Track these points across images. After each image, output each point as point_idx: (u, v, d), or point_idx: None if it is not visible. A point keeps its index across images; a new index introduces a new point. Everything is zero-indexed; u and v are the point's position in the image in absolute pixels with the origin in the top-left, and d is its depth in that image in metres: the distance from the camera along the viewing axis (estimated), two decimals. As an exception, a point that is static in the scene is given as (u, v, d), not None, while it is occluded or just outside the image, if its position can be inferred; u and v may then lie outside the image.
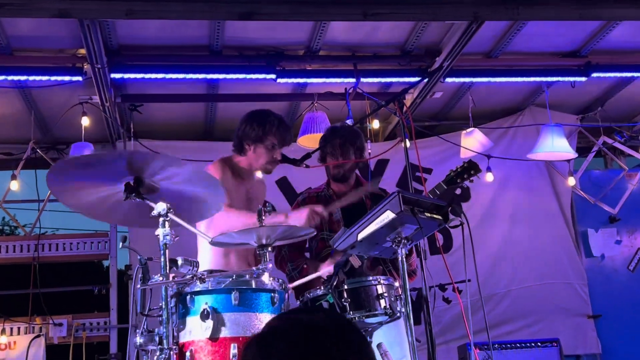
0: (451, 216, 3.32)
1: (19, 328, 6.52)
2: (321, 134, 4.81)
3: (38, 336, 6.41)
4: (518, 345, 6.22)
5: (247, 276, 2.92)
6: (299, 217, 3.66)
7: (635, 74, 6.46)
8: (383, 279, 3.40)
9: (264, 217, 3.01)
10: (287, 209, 4.83)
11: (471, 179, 4.03)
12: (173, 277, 2.78)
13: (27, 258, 6.77)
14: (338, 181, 4.35)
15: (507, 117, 7.40)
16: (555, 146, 6.61)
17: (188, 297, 2.85)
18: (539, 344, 6.27)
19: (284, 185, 6.81)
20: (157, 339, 2.75)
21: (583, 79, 6.37)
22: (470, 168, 4.00)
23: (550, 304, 7.05)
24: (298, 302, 3.51)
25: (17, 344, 6.35)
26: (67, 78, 5.68)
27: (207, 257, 3.85)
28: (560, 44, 6.17)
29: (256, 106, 6.39)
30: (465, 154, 6.64)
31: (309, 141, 6.24)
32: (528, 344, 6.25)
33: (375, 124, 6.96)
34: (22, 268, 6.94)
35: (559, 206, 7.38)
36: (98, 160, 2.74)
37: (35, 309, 6.63)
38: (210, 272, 3.37)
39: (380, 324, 3.38)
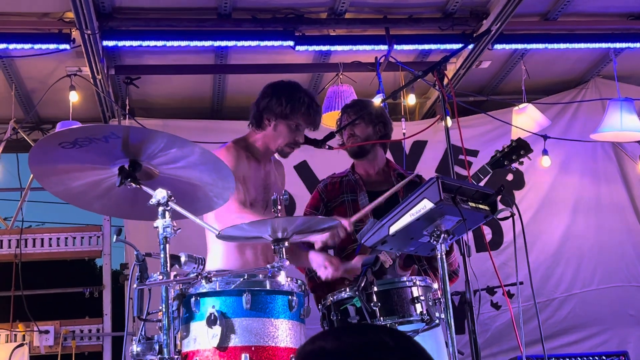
0: (501, 206, 3.30)
1: (-2, 336, 6.61)
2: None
3: (21, 345, 6.49)
4: (579, 358, 6.18)
5: (261, 276, 2.93)
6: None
7: None
8: (419, 280, 3.40)
9: (278, 210, 3.01)
10: (307, 196, 4.85)
11: (521, 160, 4.00)
12: (175, 276, 2.80)
13: (8, 255, 6.85)
14: (357, 157, 4.38)
15: (567, 91, 7.35)
16: (625, 125, 6.53)
17: (192, 299, 2.88)
18: (604, 357, 6.23)
19: (303, 170, 6.83)
20: (156, 347, 2.77)
21: (658, 44, 6.33)
22: (520, 147, 3.98)
23: (618, 310, 7.00)
24: (319, 307, 3.52)
25: (-3, 354, 6.45)
26: (52, 46, 5.72)
27: (219, 254, 3.87)
28: (630, 3, 6.10)
29: (271, 78, 6.43)
30: (517, 134, 6.58)
31: (333, 119, 6.22)
32: (591, 358, 6.21)
33: (411, 100, 6.93)
34: (1, 267, 7.02)
35: (629, 196, 7.31)
36: (88, 137, 2.75)
37: (17, 314, 6.71)
38: (218, 271, 3.40)
39: (416, 332, 3.38)
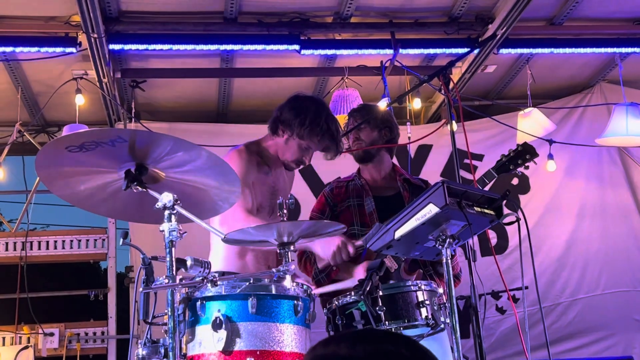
0: (506, 211, 3.29)
1: (3, 338, 6.62)
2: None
3: (26, 347, 6.51)
4: (584, 363, 6.20)
5: (267, 280, 2.93)
6: (325, 248, 3.71)
7: None
8: (424, 285, 3.40)
9: (284, 214, 3.02)
10: (312, 200, 4.85)
11: (527, 165, 4.00)
12: (181, 280, 2.80)
13: (13, 258, 6.87)
14: (362, 162, 4.38)
15: (573, 95, 7.35)
16: (630, 130, 6.52)
17: (198, 303, 2.88)
18: (609, 362, 6.24)
19: (308, 174, 6.82)
20: (162, 350, 2.78)
21: (664, 49, 6.32)
22: (526, 152, 3.97)
23: (623, 315, 6.99)
24: (324, 311, 3.52)
25: (2, 356, 6.46)
26: (59, 49, 5.74)
27: (220, 257, 3.87)
28: (636, 8, 6.10)
29: (277, 82, 6.45)
30: (522, 139, 6.58)
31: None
32: (596, 363, 6.22)
33: (417, 104, 6.94)
34: (7, 269, 7.05)
35: (635, 200, 7.31)
36: (95, 141, 2.76)
37: (22, 317, 6.73)
38: (224, 274, 3.39)
39: (421, 336, 3.37)
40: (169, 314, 2.78)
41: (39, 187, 6.84)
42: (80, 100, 6.31)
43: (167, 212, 2.82)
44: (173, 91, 6.91)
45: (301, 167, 4.10)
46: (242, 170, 3.74)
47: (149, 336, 2.81)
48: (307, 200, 5.99)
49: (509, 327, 6.60)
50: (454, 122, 3.72)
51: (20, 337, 6.62)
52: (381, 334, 1.57)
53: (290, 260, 2.96)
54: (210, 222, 3.67)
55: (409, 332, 3.33)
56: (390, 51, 6.03)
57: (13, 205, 8.43)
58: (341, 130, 4.38)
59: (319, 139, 3.94)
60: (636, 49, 6.43)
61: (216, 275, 2.87)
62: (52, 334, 6.66)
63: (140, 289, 2.75)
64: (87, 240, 7.08)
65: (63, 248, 7.02)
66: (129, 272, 6.92)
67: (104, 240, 7.03)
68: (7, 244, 6.93)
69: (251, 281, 2.90)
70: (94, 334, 6.86)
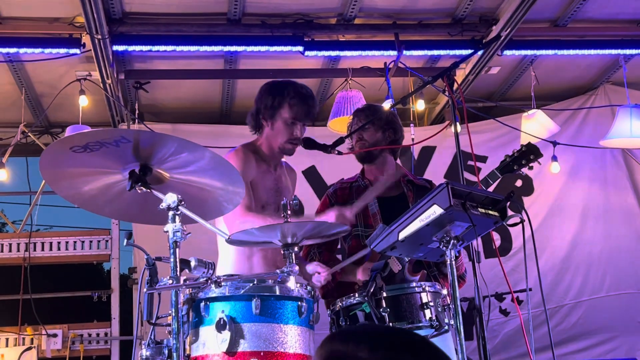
0: (510, 212, 3.29)
1: (7, 339, 6.63)
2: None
3: (29, 349, 6.51)
4: (588, 365, 6.19)
5: (270, 281, 2.93)
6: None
7: None
8: (428, 286, 3.40)
9: (288, 214, 3.01)
10: (315, 202, 4.84)
11: (531, 165, 3.99)
12: (185, 281, 2.80)
13: (17, 259, 6.88)
14: (364, 162, 4.37)
15: (577, 97, 7.34)
16: (635, 131, 6.51)
17: (202, 304, 2.87)
18: (613, 364, 6.23)
19: (312, 175, 6.83)
20: (165, 351, 2.77)
21: (668, 51, 6.32)
22: (530, 152, 3.96)
23: (627, 318, 6.98)
24: (328, 312, 3.51)
25: (5, 357, 6.46)
26: (63, 51, 5.75)
27: (229, 260, 3.86)
28: (640, 10, 6.11)
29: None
30: (526, 140, 6.56)
31: (342, 124, 6.24)
32: (600, 365, 6.21)
33: (420, 105, 6.94)
34: (10, 270, 7.05)
35: (638, 202, 7.30)
36: (99, 141, 2.76)
37: (25, 318, 6.74)
38: (228, 276, 3.39)
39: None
40: (173, 314, 2.77)
41: (43, 189, 6.85)
42: (83, 102, 6.31)
43: (171, 213, 2.82)
44: (176, 92, 6.92)
45: (297, 145, 4.05)
46: (240, 169, 3.73)
47: (152, 337, 2.81)
48: (311, 202, 5.98)
49: (512, 329, 6.59)
50: (457, 123, 3.71)
51: (23, 338, 6.63)
52: (404, 339, 1.53)
53: (294, 261, 2.96)
54: (215, 222, 3.67)
55: (412, 334, 3.32)
56: (394, 52, 6.03)
57: (16, 206, 8.45)
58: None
59: (294, 102, 3.92)
60: (640, 51, 6.44)
61: (220, 276, 2.87)
62: (55, 335, 6.67)
63: (144, 290, 2.75)
64: (91, 241, 7.08)
65: (66, 249, 7.03)
66: (132, 274, 6.93)
67: (107, 241, 7.04)
68: (10, 245, 6.95)
69: (255, 282, 2.90)
70: (97, 335, 6.87)
